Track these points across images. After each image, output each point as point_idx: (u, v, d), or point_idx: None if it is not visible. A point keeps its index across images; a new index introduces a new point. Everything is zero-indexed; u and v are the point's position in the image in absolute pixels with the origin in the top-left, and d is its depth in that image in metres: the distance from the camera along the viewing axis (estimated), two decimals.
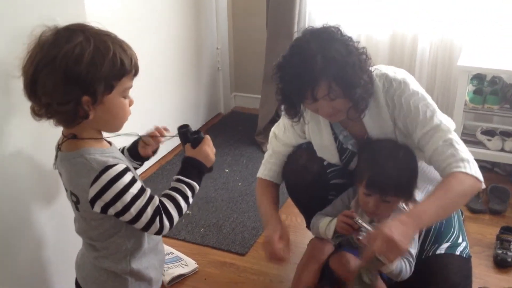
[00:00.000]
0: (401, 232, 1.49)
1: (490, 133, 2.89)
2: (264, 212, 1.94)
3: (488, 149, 2.82)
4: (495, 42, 2.92)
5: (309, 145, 1.95)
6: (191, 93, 3.41)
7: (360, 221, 1.69)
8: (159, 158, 3.07)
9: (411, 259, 1.77)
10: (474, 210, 2.55)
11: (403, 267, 1.74)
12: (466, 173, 1.64)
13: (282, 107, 1.78)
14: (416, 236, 1.81)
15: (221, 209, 2.63)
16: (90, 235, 1.33)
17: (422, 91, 1.76)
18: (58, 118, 1.20)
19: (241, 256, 2.30)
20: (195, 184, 1.34)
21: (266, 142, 3.23)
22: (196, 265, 2.21)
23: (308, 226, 2.04)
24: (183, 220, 2.52)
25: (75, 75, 1.15)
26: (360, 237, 1.67)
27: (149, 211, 1.24)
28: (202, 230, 2.47)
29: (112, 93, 1.21)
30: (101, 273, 1.35)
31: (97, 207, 1.22)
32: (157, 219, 1.24)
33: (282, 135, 1.97)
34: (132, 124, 1.39)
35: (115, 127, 1.30)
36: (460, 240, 1.92)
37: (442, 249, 1.88)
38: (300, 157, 1.95)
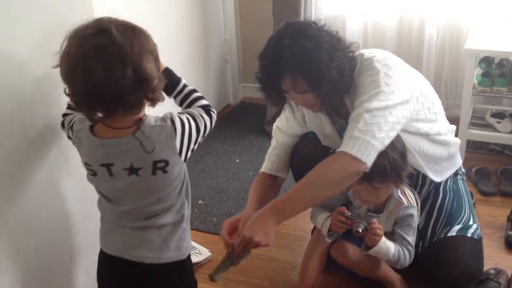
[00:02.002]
0: (262, 232, 1.59)
1: (499, 115, 2.88)
2: (249, 199, 1.94)
3: (498, 131, 2.82)
4: (502, 24, 2.91)
5: (314, 134, 1.97)
6: (200, 85, 3.40)
7: (353, 215, 1.72)
8: None
9: (410, 248, 1.80)
10: (485, 192, 2.55)
11: (401, 255, 1.77)
12: (345, 153, 1.59)
13: (264, 95, 1.79)
14: (415, 224, 1.84)
15: (232, 198, 2.65)
16: (165, 199, 1.41)
17: (384, 67, 1.67)
18: (157, 98, 1.32)
19: None
20: (181, 81, 1.51)
21: None
22: (210, 254, 2.24)
23: None
24: (195, 210, 2.55)
25: (156, 55, 1.31)
26: (359, 229, 1.70)
27: (204, 115, 1.44)
28: (214, 219, 2.50)
29: None
30: (166, 238, 1.43)
31: (183, 154, 1.37)
32: (211, 113, 1.47)
33: (285, 127, 1.99)
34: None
35: None
36: (471, 222, 1.93)
37: (454, 231, 1.89)
38: (306, 146, 1.98)
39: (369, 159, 1.59)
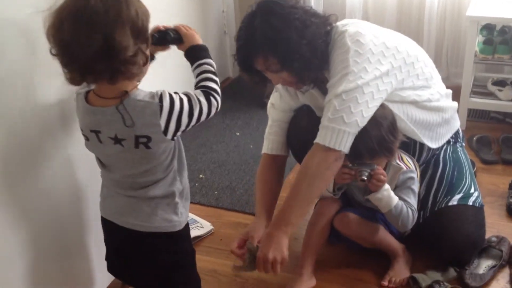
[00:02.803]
0: (274, 248, 1.64)
1: (501, 83, 2.86)
2: (256, 202, 1.96)
3: (500, 99, 2.80)
4: None
5: (308, 106, 1.94)
6: None
7: (355, 164, 1.72)
8: None
9: (413, 208, 1.80)
10: (486, 161, 2.54)
11: (404, 210, 1.77)
12: (318, 144, 1.64)
13: (244, 74, 1.80)
14: (416, 188, 1.84)
15: (233, 172, 2.65)
16: (152, 171, 1.39)
17: (355, 44, 1.64)
18: (130, 72, 1.27)
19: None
20: (208, 59, 1.47)
21: None
22: (212, 227, 2.25)
23: None
24: (196, 184, 2.55)
25: (138, 27, 1.25)
26: (364, 177, 1.71)
27: (202, 99, 1.38)
28: (216, 193, 2.50)
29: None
30: (155, 208, 1.42)
31: (170, 133, 1.33)
32: (211, 98, 1.40)
33: (279, 103, 1.97)
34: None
35: (145, 74, 1.39)
36: (472, 190, 1.93)
37: (455, 200, 1.89)
38: (301, 120, 1.96)
39: (343, 146, 1.62)
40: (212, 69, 1.47)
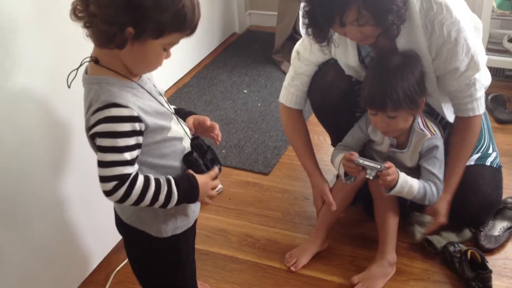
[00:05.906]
0: (447, 208, 1.77)
1: None
2: (303, 158, 1.95)
3: None
4: None
5: (336, 61, 1.83)
6: (204, 14, 3.20)
7: (361, 161, 1.62)
8: (176, 81, 3.04)
9: (436, 181, 1.70)
10: (501, 120, 2.49)
11: (428, 190, 1.67)
12: (479, 115, 1.74)
13: (309, 30, 1.63)
14: (441, 156, 1.73)
15: (241, 130, 2.60)
16: None
17: (461, 16, 1.58)
18: (94, 33, 1.13)
19: (265, 175, 2.28)
20: (175, 194, 1.22)
21: (284, 61, 3.16)
22: (220, 186, 2.21)
23: (333, 144, 2.00)
24: None
25: (136, 4, 1.07)
26: (370, 177, 1.61)
27: (115, 171, 1.15)
28: (223, 151, 2.45)
29: (157, 40, 1.14)
30: (140, 213, 1.31)
31: (91, 135, 1.17)
32: (114, 183, 1.15)
33: (308, 54, 1.83)
34: None
35: (140, 70, 1.22)
36: (490, 151, 1.88)
37: (472, 160, 1.84)
38: (327, 74, 1.84)
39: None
40: (160, 193, 1.20)
